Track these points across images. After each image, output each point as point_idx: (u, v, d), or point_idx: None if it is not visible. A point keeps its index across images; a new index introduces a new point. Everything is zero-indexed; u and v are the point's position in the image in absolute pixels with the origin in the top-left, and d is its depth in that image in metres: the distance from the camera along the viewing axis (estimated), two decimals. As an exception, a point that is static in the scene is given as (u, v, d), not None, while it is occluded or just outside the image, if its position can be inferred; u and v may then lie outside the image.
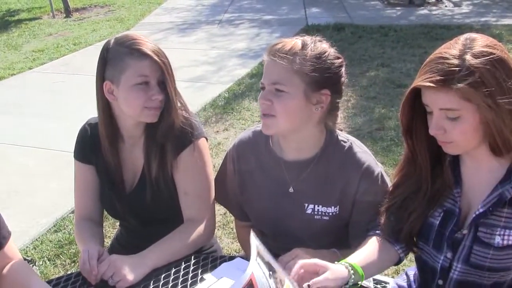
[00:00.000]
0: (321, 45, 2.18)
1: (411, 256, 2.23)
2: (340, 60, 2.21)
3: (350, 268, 1.91)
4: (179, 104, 2.38)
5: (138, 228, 2.63)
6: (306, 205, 2.33)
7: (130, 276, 2.13)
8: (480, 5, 13.32)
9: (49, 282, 2.22)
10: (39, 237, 4.64)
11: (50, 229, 4.78)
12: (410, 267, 2.53)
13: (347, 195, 2.29)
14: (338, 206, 2.31)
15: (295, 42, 2.14)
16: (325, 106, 2.20)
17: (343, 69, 2.23)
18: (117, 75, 2.27)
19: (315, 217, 2.33)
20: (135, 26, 12.98)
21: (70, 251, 4.43)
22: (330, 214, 2.32)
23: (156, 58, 2.24)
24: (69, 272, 4.01)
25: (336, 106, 2.27)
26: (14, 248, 2.24)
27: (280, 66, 2.10)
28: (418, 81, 1.81)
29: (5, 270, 2.17)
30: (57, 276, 3.93)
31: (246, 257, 2.30)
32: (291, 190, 2.35)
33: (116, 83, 2.28)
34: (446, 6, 13.27)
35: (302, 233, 2.37)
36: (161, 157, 2.40)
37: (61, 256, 4.37)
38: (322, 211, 2.32)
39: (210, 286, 2.10)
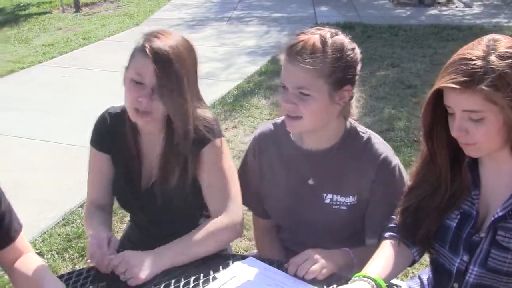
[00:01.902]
0: (339, 39, 2.17)
1: (422, 259, 2.22)
2: (356, 51, 2.23)
3: (374, 284, 1.91)
4: (197, 109, 2.35)
5: (148, 225, 2.61)
6: (325, 195, 2.35)
7: (143, 274, 2.11)
8: (491, 6, 13.27)
9: (60, 277, 2.20)
10: (47, 231, 4.64)
11: (58, 222, 4.78)
12: (422, 270, 2.52)
13: (364, 185, 2.31)
14: (356, 196, 2.33)
15: (314, 41, 2.12)
16: (347, 101, 2.23)
17: (359, 59, 2.24)
18: (127, 65, 2.29)
19: (333, 207, 2.35)
20: (144, 21, 12.95)
21: (78, 245, 4.43)
22: (348, 204, 2.33)
23: (154, 63, 2.19)
24: (77, 266, 4.07)
25: (352, 97, 2.29)
26: (25, 241, 2.24)
27: (303, 70, 2.09)
28: (442, 82, 1.79)
29: (17, 264, 2.17)
30: (68, 271, 3.95)
31: (259, 256, 2.31)
32: (311, 181, 2.37)
33: (125, 72, 2.30)
34: (456, 7, 13.22)
35: (320, 224, 2.39)
36: (183, 169, 2.36)
37: (69, 250, 4.38)
38: (340, 201, 2.34)
39: (222, 285, 2.09)
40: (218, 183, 2.40)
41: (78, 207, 4.98)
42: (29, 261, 2.18)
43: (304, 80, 2.11)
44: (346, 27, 10.93)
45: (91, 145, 2.57)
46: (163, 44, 2.22)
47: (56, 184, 5.47)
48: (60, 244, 4.46)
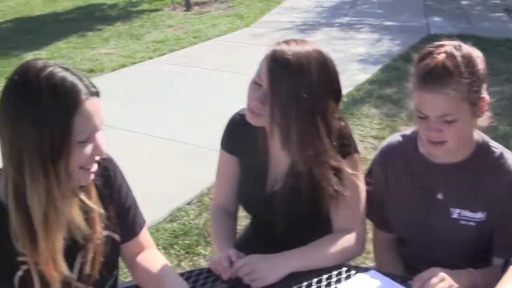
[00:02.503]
0: (466, 52, 2.09)
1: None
2: (481, 56, 2.15)
3: None
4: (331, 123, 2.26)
5: (269, 229, 2.54)
6: (452, 209, 2.28)
7: (268, 277, 2.11)
8: None
9: (180, 275, 2.20)
10: (154, 225, 4.69)
11: (165, 218, 4.84)
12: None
13: (495, 201, 2.23)
14: (485, 213, 2.24)
15: (444, 62, 2.04)
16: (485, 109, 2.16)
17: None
18: None
19: (461, 222, 2.27)
20: (254, 23, 13.01)
21: (184, 241, 4.48)
22: (477, 220, 2.25)
23: (269, 66, 2.14)
24: (182, 263, 4.15)
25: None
26: (148, 236, 2.28)
27: (444, 98, 2.03)
28: None
29: (139, 258, 2.19)
30: (173, 267, 3.98)
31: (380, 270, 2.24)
32: (439, 196, 2.30)
33: None
34: None
35: (445, 239, 2.32)
36: (311, 181, 2.30)
37: (175, 246, 4.42)
38: (468, 217, 2.26)
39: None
40: (350, 199, 2.34)
41: (186, 205, 5.03)
42: (151, 257, 2.20)
43: (447, 108, 2.04)
44: (459, 39, 10.65)
45: (221, 147, 2.58)
46: (287, 49, 2.15)
47: (165, 180, 5.53)
48: (167, 240, 4.51)
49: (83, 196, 1.90)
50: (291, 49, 2.14)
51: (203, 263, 4.18)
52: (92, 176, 1.88)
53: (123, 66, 9.82)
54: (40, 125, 1.67)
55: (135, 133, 6.67)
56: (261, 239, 2.63)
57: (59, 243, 1.82)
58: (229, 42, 11.28)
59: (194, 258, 4.27)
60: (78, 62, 10.09)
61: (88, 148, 1.77)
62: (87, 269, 1.97)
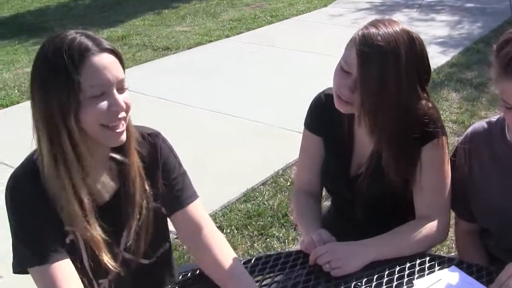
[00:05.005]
0: None
1: None
2: None
3: None
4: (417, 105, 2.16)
5: (349, 212, 2.49)
6: None
7: (349, 266, 2.04)
8: None
9: (269, 256, 2.21)
10: (228, 205, 4.67)
11: (239, 198, 4.80)
12: None
13: None
14: None
15: None
16: None
17: None
18: None
19: None
20: (332, 3, 12.86)
21: (258, 223, 4.42)
22: None
23: (358, 53, 2.03)
24: (255, 244, 4.13)
25: None
26: (201, 212, 2.14)
27: None
28: None
29: (204, 243, 2.07)
30: (246, 248, 4.00)
31: (466, 263, 2.13)
32: None
33: None
34: None
35: None
36: (395, 164, 2.22)
37: (248, 227, 4.38)
38: None
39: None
40: (433, 185, 2.25)
41: (260, 185, 4.98)
42: (218, 244, 2.08)
43: None
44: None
45: (305, 127, 2.50)
46: (376, 33, 2.02)
47: (239, 160, 5.49)
48: (240, 220, 4.47)
49: (115, 154, 1.95)
50: (380, 33, 2.02)
51: (276, 245, 4.14)
52: (123, 137, 1.87)
53: (199, 44, 9.85)
54: (47, 85, 1.73)
55: (211, 111, 6.65)
56: (342, 223, 2.57)
57: (88, 204, 1.87)
58: (306, 22, 11.20)
59: (268, 239, 4.22)
60: (154, 40, 10.22)
61: (103, 104, 1.78)
62: (132, 241, 2.01)
